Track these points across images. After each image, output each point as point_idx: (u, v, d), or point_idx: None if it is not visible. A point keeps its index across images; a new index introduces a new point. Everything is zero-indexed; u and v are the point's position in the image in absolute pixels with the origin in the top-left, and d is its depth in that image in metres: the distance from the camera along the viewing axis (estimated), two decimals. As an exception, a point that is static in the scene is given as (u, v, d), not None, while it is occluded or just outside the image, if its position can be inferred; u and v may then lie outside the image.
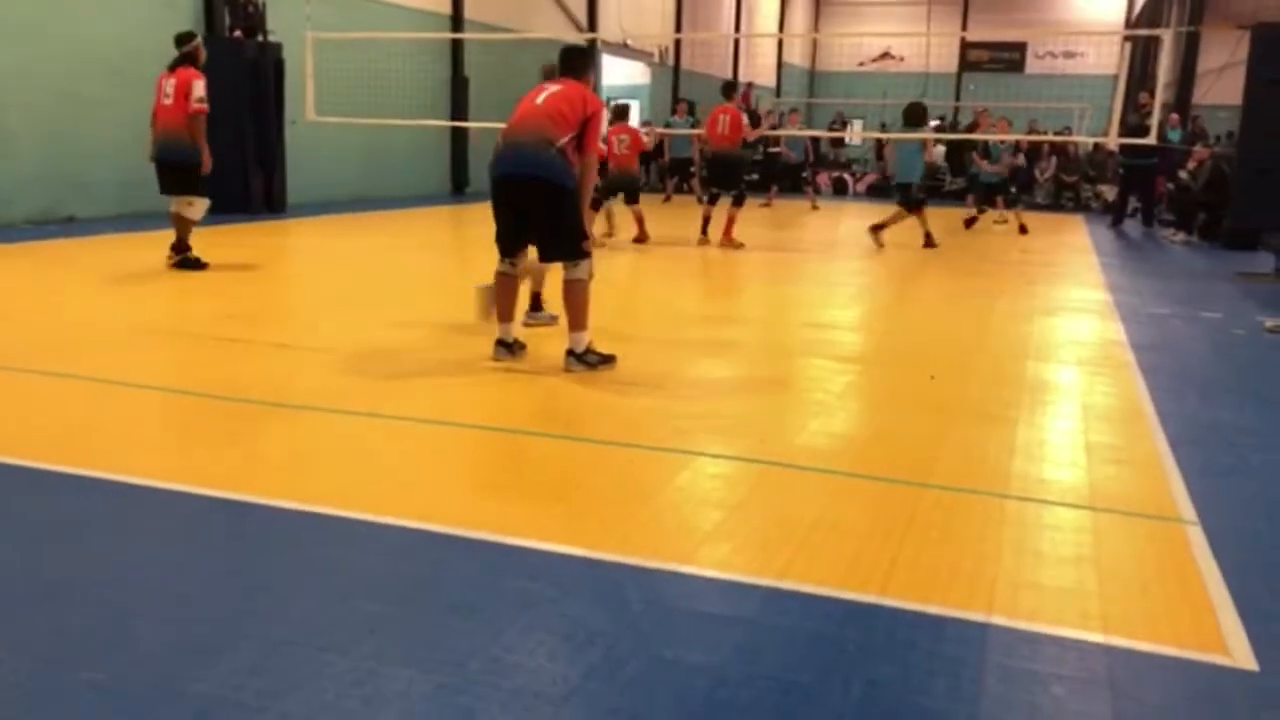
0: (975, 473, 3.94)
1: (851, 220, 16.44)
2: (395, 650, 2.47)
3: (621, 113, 12.34)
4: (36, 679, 2.30)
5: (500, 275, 5.53)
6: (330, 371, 5.27)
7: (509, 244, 5.45)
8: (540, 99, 5.28)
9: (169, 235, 8.39)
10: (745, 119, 11.60)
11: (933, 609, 2.75)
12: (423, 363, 5.59)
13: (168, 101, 8.08)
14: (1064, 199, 20.47)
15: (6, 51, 10.69)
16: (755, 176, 23.74)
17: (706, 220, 11.71)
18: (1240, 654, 2.57)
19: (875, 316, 7.83)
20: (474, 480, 3.73)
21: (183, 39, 8.43)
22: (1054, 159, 20.59)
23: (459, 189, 18.22)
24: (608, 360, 5.40)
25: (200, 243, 8.15)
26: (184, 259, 8.16)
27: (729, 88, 12.24)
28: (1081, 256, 12.21)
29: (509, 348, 5.54)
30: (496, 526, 3.20)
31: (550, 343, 5.83)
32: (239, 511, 3.34)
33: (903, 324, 7.48)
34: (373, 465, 3.84)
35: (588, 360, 5.34)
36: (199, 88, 8.04)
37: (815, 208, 18.58)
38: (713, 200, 11.73)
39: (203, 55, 8.36)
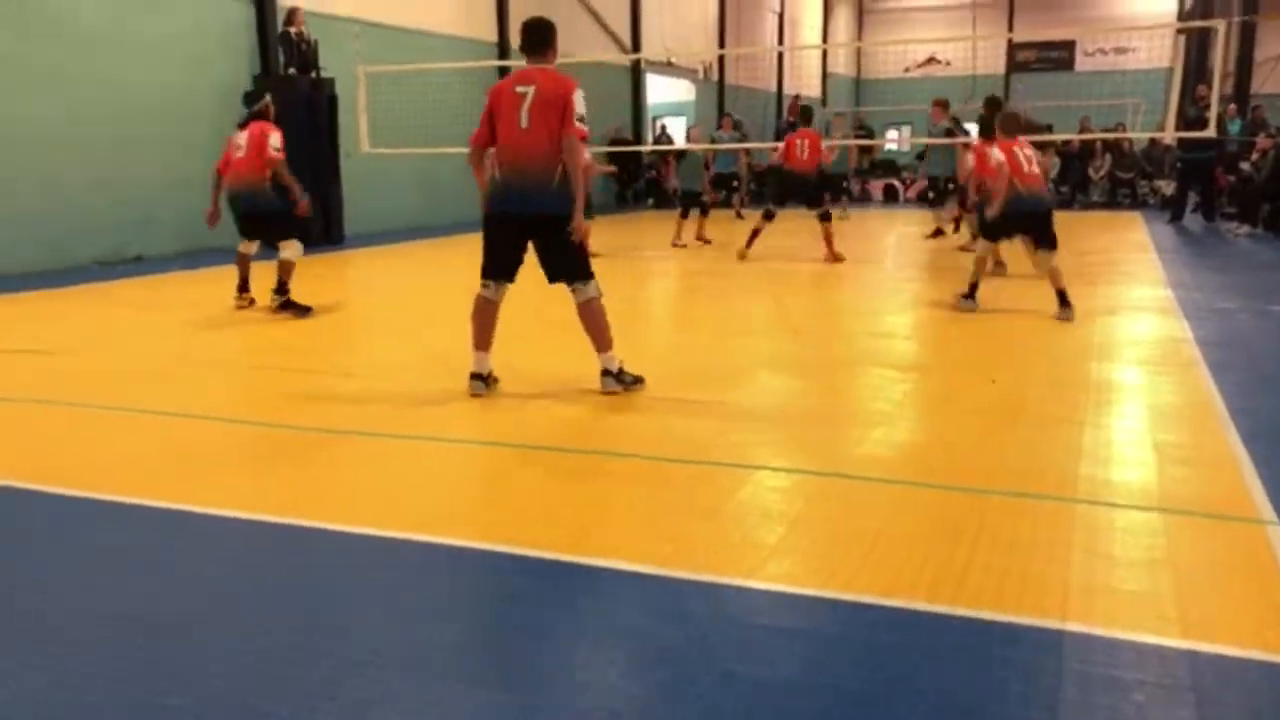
0: (1041, 477, 3.89)
1: (901, 227, 16.31)
2: (467, 671, 2.50)
3: (807, 115, 12.29)
4: (126, 704, 2.37)
5: (483, 300, 5.33)
6: (392, 398, 5.35)
7: (500, 269, 5.30)
8: (524, 119, 5.09)
9: (232, 271, 8.54)
10: (823, 143, 11.81)
11: (1005, 617, 2.72)
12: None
13: (239, 154, 8.08)
14: (1120, 196, 20.11)
15: (61, 99, 11.01)
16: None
17: (755, 234, 11.71)
18: (1327, 655, 2.51)
19: (931, 322, 7.75)
20: (538, 500, 3.76)
21: (252, 97, 8.58)
22: (1108, 156, 20.24)
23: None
24: (639, 380, 5.37)
25: (261, 275, 8.29)
26: (287, 302, 8.07)
27: (808, 113, 12.31)
28: (1141, 254, 11.98)
29: (484, 380, 5.32)
30: (563, 546, 3.22)
31: (584, 362, 5.85)
32: (307, 536, 3.40)
33: (960, 328, 7.40)
34: (438, 488, 3.90)
35: (624, 380, 5.29)
36: (275, 139, 8.08)
37: (844, 217, 18.03)
38: (769, 217, 11.75)
39: (272, 111, 8.40)
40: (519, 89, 5.15)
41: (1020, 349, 6.49)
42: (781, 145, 12.00)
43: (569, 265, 5.21)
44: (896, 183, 23.48)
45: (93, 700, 2.39)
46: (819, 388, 5.64)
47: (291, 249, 8.09)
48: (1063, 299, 7.51)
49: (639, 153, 21.33)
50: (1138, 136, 20.35)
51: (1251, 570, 3.02)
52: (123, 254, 11.62)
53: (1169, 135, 13.16)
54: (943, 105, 13.81)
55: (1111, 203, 20.00)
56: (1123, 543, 3.24)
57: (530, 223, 5.16)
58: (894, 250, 13.47)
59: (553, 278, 5.30)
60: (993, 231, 8.17)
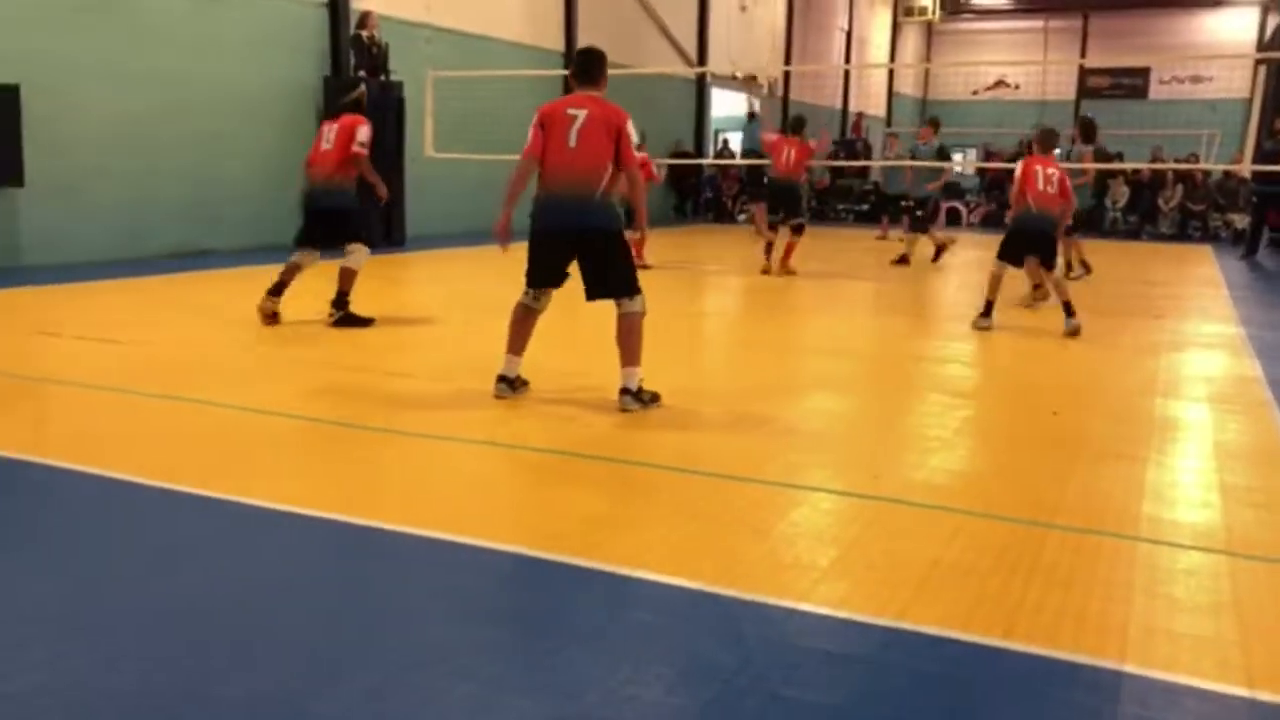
0: (1102, 513, 3.81)
1: (965, 250, 16.12)
2: (515, 677, 2.51)
3: (797, 125, 12.24)
4: (179, 693, 2.41)
5: (523, 307, 5.44)
6: (447, 400, 5.40)
7: (543, 279, 5.38)
8: (573, 139, 5.21)
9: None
10: (812, 146, 11.88)
11: (1062, 654, 2.66)
12: (536, 392, 5.68)
13: (327, 146, 7.78)
14: (1190, 229, 19.70)
15: (158, 96, 11.37)
16: (865, 207, 23.56)
17: (770, 246, 11.82)
18: (1399, 713, 2.42)
19: (990, 350, 7.64)
20: (592, 510, 3.77)
21: (348, 86, 8.54)
22: (1179, 187, 19.85)
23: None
24: (656, 399, 5.34)
25: (325, 276, 8.25)
26: (346, 315, 7.61)
27: (799, 123, 12.31)
28: (1211, 289, 11.71)
29: (510, 384, 5.44)
30: (614, 557, 3.22)
31: (655, 380, 5.85)
32: (361, 535, 3.44)
33: (1021, 358, 7.29)
34: (491, 492, 3.92)
35: (643, 398, 5.26)
36: (363, 133, 7.75)
37: (883, 238, 17.67)
38: (774, 227, 11.83)
39: (365, 103, 8.13)
40: (570, 111, 5.28)
41: (1084, 381, 6.38)
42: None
43: (615, 281, 5.27)
44: (960, 205, 23.20)
45: (142, 685, 2.44)
46: (876, 411, 5.58)
47: (358, 255, 7.72)
48: (1068, 309, 7.93)
49: (700, 166, 21.34)
50: (1210, 168, 19.91)
51: (1321, 620, 2.93)
52: (193, 248, 11.89)
53: (1244, 168, 12.86)
54: (934, 125, 13.85)
55: (1181, 235, 19.59)
56: (1185, 585, 3.16)
57: (577, 238, 5.25)
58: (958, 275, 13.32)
59: (596, 294, 5.33)
60: (1004, 252, 8.33)
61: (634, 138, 5.29)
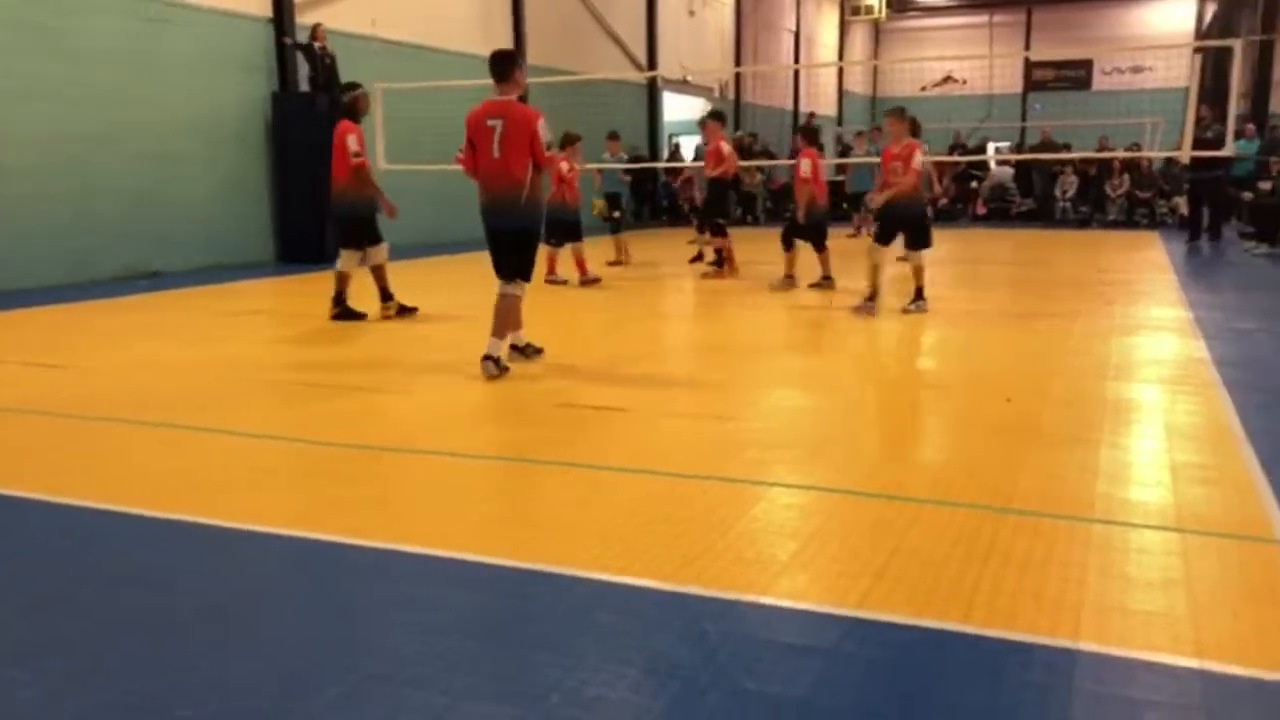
0: (1057, 496, 3.87)
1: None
2: (480, 684, 2.50)
3: (716, 115, 12.07)
4: (143, 712, 2.38)
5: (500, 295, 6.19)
6: (409, 413, 5.38)
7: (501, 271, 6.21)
8: (495, 149, 5.92)
9: (248, 287, 8.58)
10: (726, 149, 11.45)
11: (1019, 635, 2.70)
12: (497, 402, 5.68)
13: (334, 159, 8.09)
14: (1138, 215, 20.05)
15: (95, 116, 11.20)
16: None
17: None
18: (1344, 677, 2.48)
19: (947, 341, 7.73)
20: (554, 516, 3.77)
21: (345, 88, 8.58)
22: (1126, 175, 20.19)
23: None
24: (534, 349, 6.54)
25: (276, 290, 8.32)
26: (400, 307, 8.35)
27: (715, 116, 11.94)
28: (1159, 273, 11.93)
29: (496, 362, 6.10)
30: (575, 561, 3.23)
31: (602, 380, 5.88)
32: (326, 551, 3.42)
33: (977, 347, 7.38)
34: (455, 503, 3.91)
35: (500, 364, 6.12)
36: (352, 141, 7.93)
37: (854, 236, 17.95)
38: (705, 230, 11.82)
39: (365, 105, 8.26)
40: (489, 122, 5.95)
41: (1037, 367, 6.47)
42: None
43: (515, 267, 6.18)
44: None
45: (105, 704, 2.41)
46: (832, 405, 5.63)
47: (380, 251, 8.22)
48: (919, 294, 8.60)
49: (654, 170, 21.40)
50: (1152, 156, 20.28)
51: (1267, 591, 3.00)
52: (141, 269, 11.73)
53: (1184, 155, 13.14)
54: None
55: (1129, 222, 19.93)
56: (1138, 563, 3.22)
57: (511, 236, 6.08)
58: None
59: (500, 274, 6.21)
60: (882, 235, 8.74)
61: (544, 136, 5.89)
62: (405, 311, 8.37)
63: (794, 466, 4.33)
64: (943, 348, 7.52)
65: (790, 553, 3.30)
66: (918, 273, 8.67)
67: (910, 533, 3.48)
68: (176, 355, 7.08)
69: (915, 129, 12.70)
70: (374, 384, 6.11)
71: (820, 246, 10.32)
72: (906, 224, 8.51)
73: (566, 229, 10.67)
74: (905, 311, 8.46)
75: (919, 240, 8.62)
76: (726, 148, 11.20)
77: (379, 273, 8.26)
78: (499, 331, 6.15)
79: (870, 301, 8.53)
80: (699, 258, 13.02)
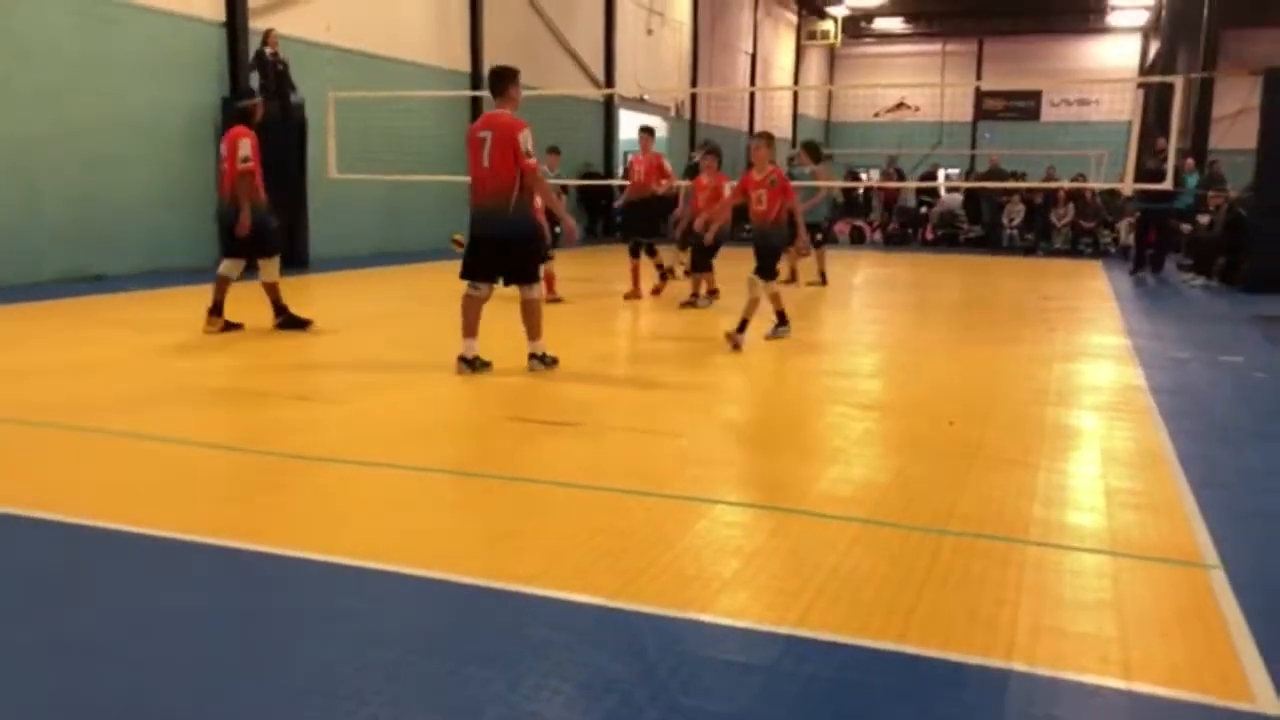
0: (995, 518, 3.93)
1: (868, 268, 16.50)
2: (413, 699, 2.48)
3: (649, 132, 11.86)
4: (59, 729, 2.32)
5: (469, 297, 6.54)
6: (350, 424, 5.32)
7: (482, 275, 6.55)
8: (485, 158, 6.30)
9: (194, 291, 8.47)
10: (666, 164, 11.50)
11: (952, 655, 2.74)
12: (440, 414, 5.64)
13: (224, 165, 7.95)
14: (1082, 245, 20.48)
15: (39, 116, 10.98)
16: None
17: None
18: (1265, 699, 2.55)
19: (893, 363, 7.83)
20: (493, 530, 3.75)
21: (242, 94, 8.46)
22: (1071, 205, 20.63)
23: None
24: (556, 361, 6.72)
25: (227, 299, 8.19)
26: (288, 319, 8.17)
27: (713, 152, 11.42)
28: (1101, 302, 12.19)
29: (470, 363, 6.51)
30: (516, 576, 3.21)
31: (544, 396, 5.87)
32: (260, 563, 3.37)
33: (921, 370, 7.48)
34: (393, 516, 3.87)
35: (546, 361, 6.65)
36: (244, 146, 7.78)
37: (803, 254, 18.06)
38: (636, 252, 11.33)
39: (259, 113, 8.12)
40: (481, 134, 6.36)
41: (979, 392, 6.57)
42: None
43: (521, 272, 6.57)
44: (863, 224, 23.75)
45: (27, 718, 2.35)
46: (778, 425, 5.67)
47: (270, 267, 8.03)
48: (782, 318, 8.42)
49: (609, 187, 21.46)
50: (1096, 187, 20.75)
51: (1194, 613, 3.07)
52: (84, 272, 11.50)
53: (1127, 187, 13.47)
54: (809, 150, 13.37)
55: (1074, 251, 20.34)
56: (1071, 584, 3.28)
57: (495, 243, 6.41)
58: (862, 286, 13.62)
59: (508, 281, 6.60)
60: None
61: (524, 144, 6.20)
62: (296, 324, 8.11)
63: (737, 484, 4.35)
64: (887, 371, 7.61)
65: (732, 570, 3.32)
66: (775, 299, 8.38)
67: (851, 552, 3.51)
68: (111, 359, 6.94)
69: (817, 155, 12.99)
70: (317, 392, 6.04)
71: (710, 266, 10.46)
72: (765, 253, 8.31)
73: None
74: (768, 338, 8.30)
75: (766, 271, 8.24)
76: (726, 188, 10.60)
77: (272, 289, 8.01)
78: (536, 335, 6.64)
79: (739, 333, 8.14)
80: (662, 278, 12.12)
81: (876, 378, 7.28)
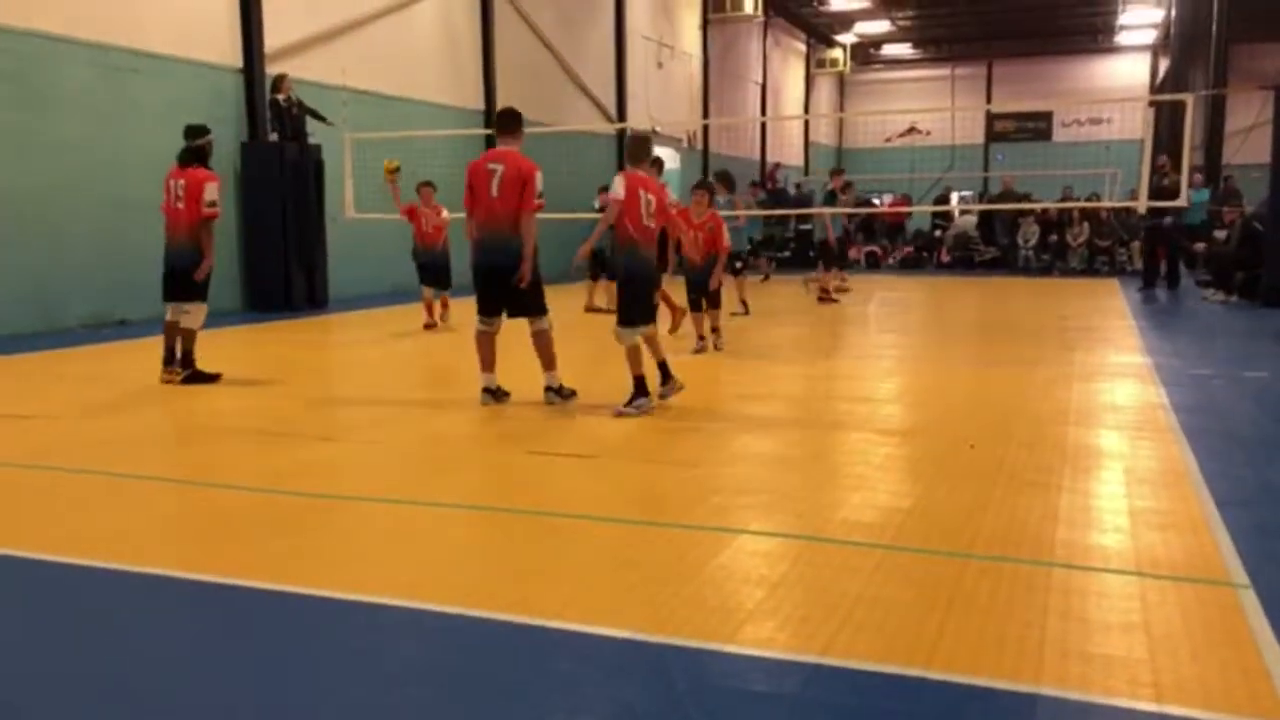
0: (1019, 541, 3.91)
1: (884, 291, 16.49)
2: (442, 736, 2.49)
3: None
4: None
5: (480, 332, 6.67)
6: (371, 462, 5.35)
7: (489, 308, 6.65)
8: (495, 189, 6.42)
9: (214, 334, 8.46)
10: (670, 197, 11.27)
11: (980, 680, 2.72)
12: (460, 450, 5.67)
13: (179, 205, 7.55)
14: (1098, 263, 20.42)
15: (61, 166, 11.17)
16: (787, 254, 24.00)
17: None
18: (1298, 718, 2.52)
19: (912, 387, 7.82)
20: (518, 564, 3.76)
21: (195, 132, 7.83)
22: (1086, 224, 20.59)
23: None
24: (574, 393, 6.69)
25: (240, 340, 8.27)
26: (193, 374, 7.59)
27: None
28: (1119, 320, 12.14)
29: (493, 394, 6.67)
30: (542, 610, 3.22)
31: (558, 427, 5.89)
32: (285, 602, 3.39)
33: (940, 394, 7.46)
34: (416, 552, 3.89)
35: (563, 393, 6.67)
36: (211, 190, 7.50)
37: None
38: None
39: (212, 149, 7.84)
40: (490, 166, 6.50)
41: (1000, 414, 6.55)
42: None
43: (527, 304, 6.60)
44: (878, 249, 23.76)
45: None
46: (799, 452, 5.67)
47: (195, 314, 7.64)
48: (640, 386, 6.44)
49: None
50: (1109, 206, 20.70)
51: (1223, 633, 3.04)
52: (109, 317, 11.64)
53: (1141, 205, 13.47)
54: (723, 181, 13.48)
55: (1090, 270, 20.28)
56: (1098, 606, 3.26)
57: (499, 273, 6.49)
58: (877, 311, 13.61)
59: (512, 314, 6.66)
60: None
61: (538, 186, 6.42)
62: (202, 379, 7.62)
63: (759, 513, 4.35)
64: (907, 394, 7.60)
65: (755, 600, 3.31)
66: (635, 356, 8.17)
67: (874, 579, 3.50)
68: (136, 403, 7.01)
69: (731, 185, 12.99)
70: (336, 430, 6.08)
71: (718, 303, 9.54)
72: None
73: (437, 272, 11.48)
74: (619, 414, 7.93)
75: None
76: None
77: (188, 336, 7.62)
78: (550, 365, 6.66)
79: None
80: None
81: (896, 402, 7.27)
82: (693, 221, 8.84)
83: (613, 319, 6.63)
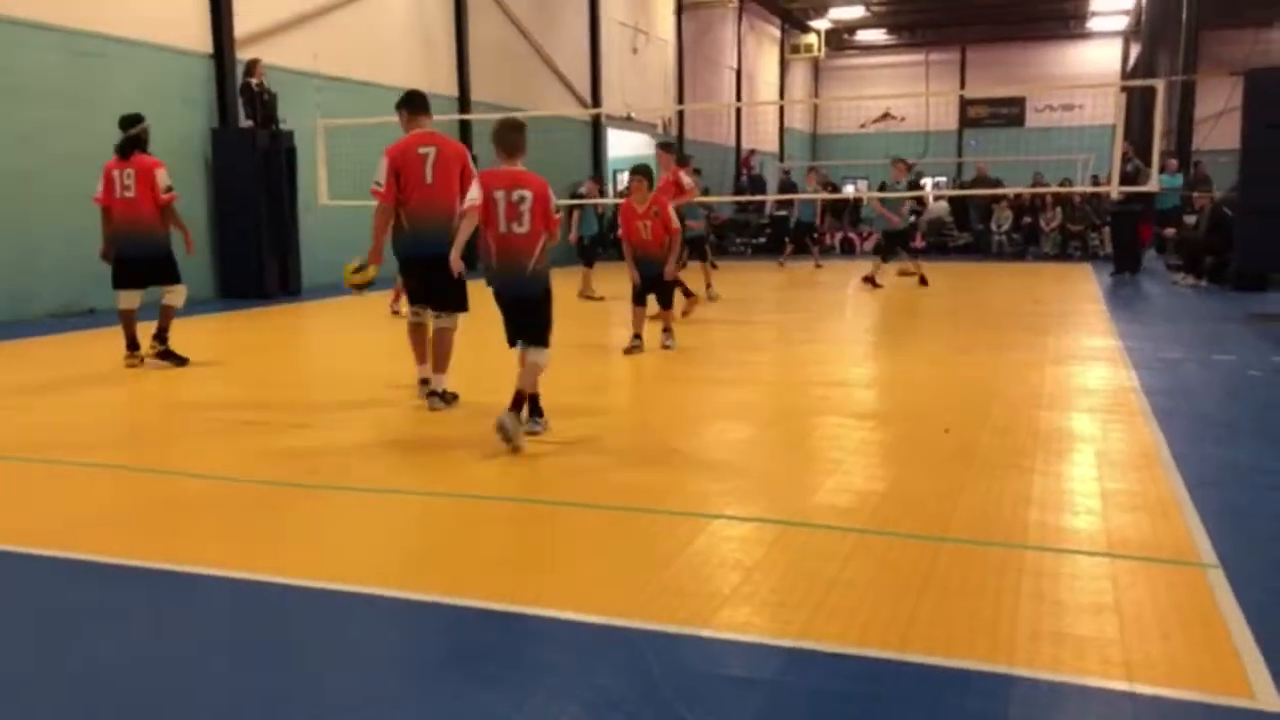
0: (992, 524, 3.94)
1: (859, 276, 16.55)
2: (419, 724, 2.48)
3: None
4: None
5: (412, 324, 6.40)
6: (347, 450, 5.33)
7: (421, 299, 6.34)
8: (429, 175, 6.06)
9: (190, 324, 8.44)
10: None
11: (954, 662, 2.75)
12: (438, 438, 5.65)
13: (129, 194, 7.56)
14: (1071, 248, 20.57)
15: (29, 152, 11.02)
16: (762, 240, 24.08)
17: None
18: (1265, 696, 2.56)
19: (887, 372, 7.86)
20: (495, 552, 3.76)
21: (130, 121, 7.83)
22: (1058, 210, 20.74)
23: (471, 266, 18.45)
24: (456, 397, 6.28)
25: (212, 326, 8.22)
26: (166, 350, 7.83)
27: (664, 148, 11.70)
28: (1091, 305, 12.25)
29: (441, 396, 6.20)
30: (519, 597, 3.22)
31: (563, 418, 5.88)
32: (262, 592, 3.37)
33: (915, 379, 7.51)
34: (393, 540, 3.88)
35: (446, 398, 6.21)
36: (163, 176, 7.60)
37: (819, 266, 18.90)
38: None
39: (148, 137, 7.88)
40: (421, 150, 6.10)
41: (974, 398, 6.60)
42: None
43: (450, 300, 6.17)
44: (853, 235, 23.85)
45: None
46: (775, 437, 5.69)
47: (179, 294, 7.88)
48: (534, 404, 5.66)
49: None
50: (1081, 191, 20.85)
51: (1193, 613, 3.08)
52: (77, 307, 11.50)
53: (1113, 190, 13.57)
54: (904, 164, 14.40)
55: (1063, 254, 20.43)
56: (1070, 588, 3.29)
57: (431, 262, 5.92)
58: (853, 299, 13.67)
59: (436, 308, 6.25)
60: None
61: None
62: (173, 359, 7.82)
63: (735, 498, 4.36)
64: (882, 379, 7.64)
65: (732, 584, 3.33)
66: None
67: (851, 563, 3.52)
68: (106, 395, 6.94)
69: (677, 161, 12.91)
70: (312, 419, 6.05)
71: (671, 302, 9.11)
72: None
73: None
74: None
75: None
76: None
77: (166, 313, 7.81)
78: (442, 368, 6.22)
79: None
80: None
81: (871, 387, 7.31)
82: (637, 211, 8.58)
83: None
